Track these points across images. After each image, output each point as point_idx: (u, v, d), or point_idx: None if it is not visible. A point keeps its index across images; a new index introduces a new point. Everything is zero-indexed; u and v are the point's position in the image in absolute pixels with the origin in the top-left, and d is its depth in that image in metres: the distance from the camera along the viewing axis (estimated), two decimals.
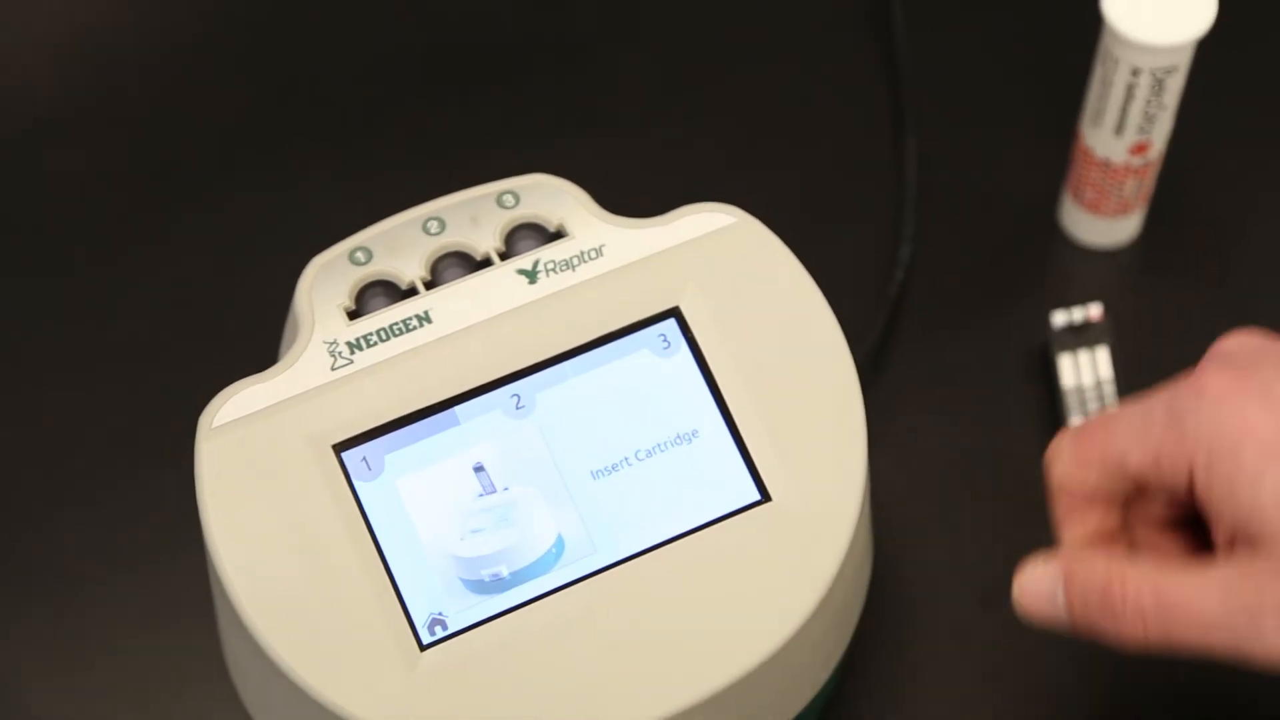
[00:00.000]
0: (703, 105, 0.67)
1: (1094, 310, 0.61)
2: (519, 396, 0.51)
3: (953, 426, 0.61)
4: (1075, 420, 0.59)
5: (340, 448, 0.50)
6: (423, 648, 0.48)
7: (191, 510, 0.49)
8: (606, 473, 0.51)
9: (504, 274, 0.52)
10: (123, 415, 0.60)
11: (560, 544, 0.50)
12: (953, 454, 0.61)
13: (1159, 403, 0.48)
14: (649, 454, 0.51)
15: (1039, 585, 0.50)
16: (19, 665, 0.57)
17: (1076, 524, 0.50)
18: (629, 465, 0.51)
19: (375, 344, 0.51)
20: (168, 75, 0.67)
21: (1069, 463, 0.50)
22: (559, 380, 0.51)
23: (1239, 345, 0.49)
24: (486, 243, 0.53)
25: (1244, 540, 0.47)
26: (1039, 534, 0.59)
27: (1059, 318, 0.61)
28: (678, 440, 0.51)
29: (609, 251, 0.53)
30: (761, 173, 0.64)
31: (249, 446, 0.50)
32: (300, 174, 0.65)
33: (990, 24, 0.69)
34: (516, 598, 0.49)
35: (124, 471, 0.60)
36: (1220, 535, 0.48)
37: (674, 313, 0.52)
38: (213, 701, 0.56)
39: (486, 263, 0.53)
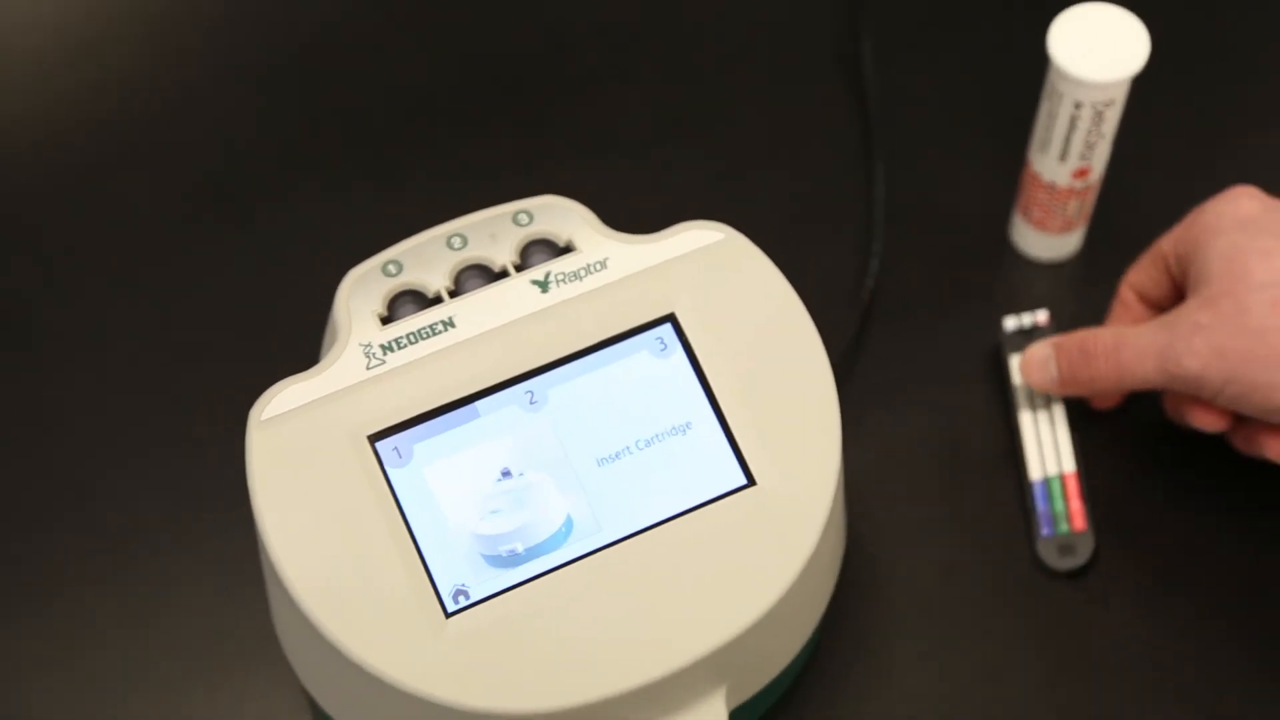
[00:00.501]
0: (694, 135, 0.67)
1: (1041, 316, 0.60)
2: (532, 393, 0.50)
3: (917, 418, 0.60)
4: (1025, 414, 0.59)
5: (374, 438, 0.49)
6: (448, 615, 0.47)
7: (243, 494, 0.48)
8: (610, 460, 0.50)
9: (519, 284, 0.52)
10: (183, 409, 0.60)
11: (569, 523, 0.49)
12: (917, 443, 0.60)
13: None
14: (648, 443, 0.50)
15: (1036, 357, 0.57)
16: (100, 626, 0.56)
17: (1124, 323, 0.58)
18: (630, 453, 0.50)
19: (405, 346, 0.50)
20: (227, 107, 0.67)
21: (1136, 267, 0.58)
22: (568, 378, 0.51)
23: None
24: (504, 256, 0.52)
25: (1191, 291, 0.52)
26: (993, 513, 0.58)
27: (1010, 323, 0.60)
28: (673, 431, 0.50)
29: (612, 264, 0.52)
30: (747, 194, 0.64)
31: (293, 437, 0.49)
32: (340, 195, 0.65)
33: (948, 63, 0.68)
34: (530, 571, 0.48)
35: (184, 459, 0.59)
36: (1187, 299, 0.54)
37: (670, 318, 0.51)
38: (264, 665, 0.55)
39: (503, 274, 0.52)
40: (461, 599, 0.48)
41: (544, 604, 0.47)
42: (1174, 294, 0.56)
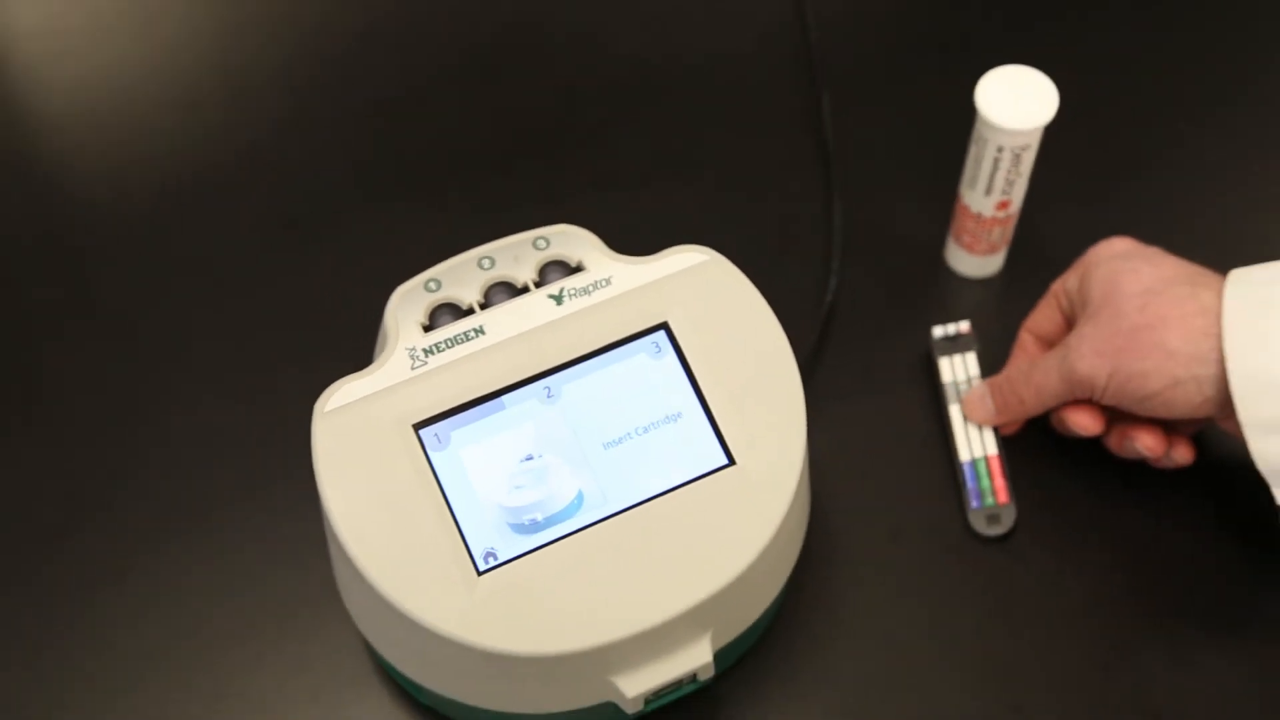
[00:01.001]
0: (683, 174, 0.67)
1: (964, 326, 0.61)
2: (549, 388, 0.50)
3: (868, 410, 0.60)
4: (954, 408, 0.59)
5: (419, 426, 0.49)
6: (479, 573, 0.48)
7: (309, 473, 0.48)
8: (614, 444, 0.50)
9: (538, 298, 0.52)
10: (260, 402, 0.60)
11: (580, 497, 0.49)
12: (868, 430, 0.60)
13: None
14: (645, 430, 0.50)
15: (975, 396, 0.58)
16: (192, 582, 0.56)
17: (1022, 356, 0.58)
18: (630, 438, 0.50)
19: (443, 350, 0.51)
20: (301, 150, 0.67)
21: (1034, 314, 0.58)
22: (579, 376, 0.51)
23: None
24: (525, 275, 0.52)
25: (1079, 316, 0.53)
26: (931, 488, 0.58)
27: (938, 331, 0.61)
28: (666, 420, 0.50)
29: (615, 281, 0.52)
30: (728, 223, 0.64)
31: (351, 426, 0.49)
32: (389, 224, 0.65)
33: (894, 115, 0.68)
34: (548, 536, 0.48)
35: (262, 444, 0.59)
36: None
37: (663, 326, 0.51)
38: (328, 616, 0.55)
39: (525, 290, 0.52)
40: (491, 560, 0.48)
41: (560, 564, 0.48)
42: (1066, 331, 0.57)
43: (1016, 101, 0.57)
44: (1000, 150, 0.57)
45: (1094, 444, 0.58)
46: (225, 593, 0.56)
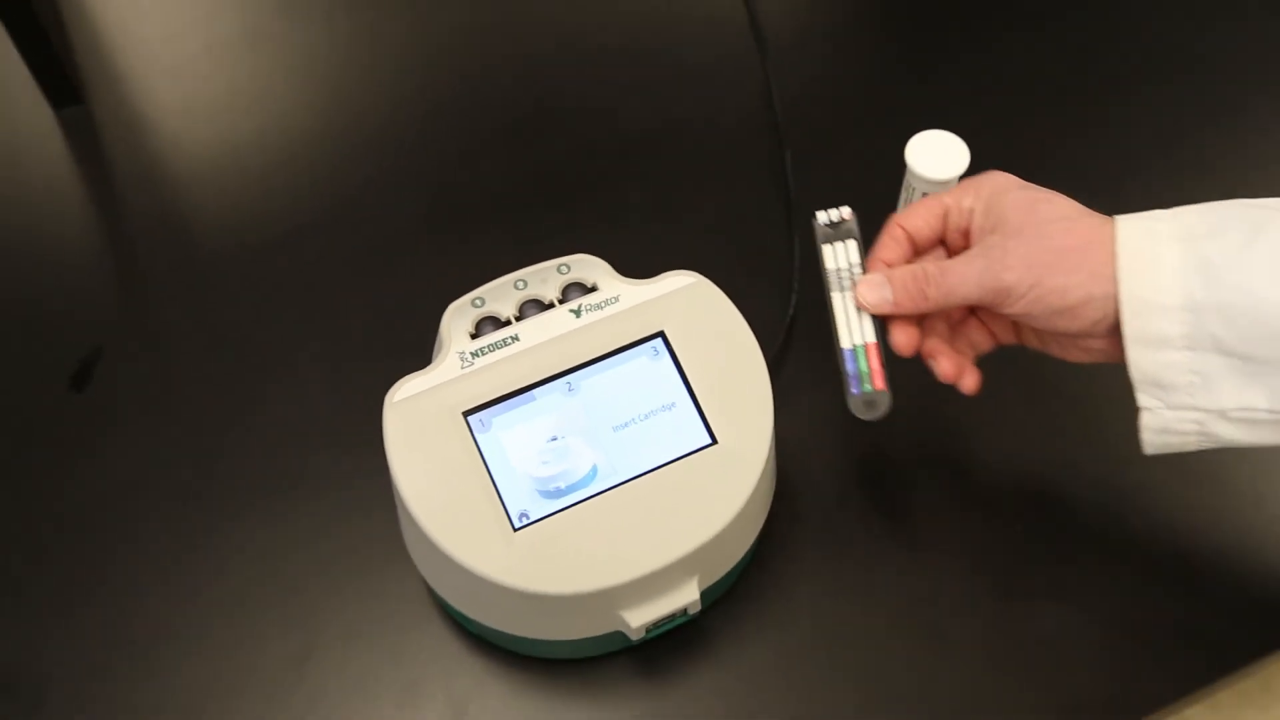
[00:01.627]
0: (676, 214, 0.67)
1: (845, 211, 0.52)
2: (570, 383, 0.51)
3: (821, 401, 0.60)
4: (836, 295, 0.51)
5: (467, 413, 0.50)
6: (515, 530, 0.48)
7: (381, 450, 0.49)
8: (621, 427, 0.50)
9: (561, 312, 0.52)
10: (344, 395, 0.60)
11: (594, 470, 0.49)
12: (822, 417, 0.60)
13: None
14: (646, 416, 0.50)
15: (871, 280, 0.49)
16: (287, 536, 0.56)
17: (892, 253, 0.50)
18: (635, 423, 0.50)
19: (486, 353, 0.51)
20: (375, 196, 0.67)
21: (911, 214, 0.50)
22: (593, 374, 0.51)
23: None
24: (551, 294, 0.53)
25: (989, 232, 0.47)
26: (872, 463, 0.58)
27: (821, 217, 0.51)
28: (662, 409, 0.51)
29: (622, 299, 0.52)
30: (712, 253, 0.63)
31: (414, 413, 0.50)
32: (444, 253, 0.65)
33: (842, 168, 0.68)
34: (569, 500, 0.49)
35: (345, 428, 0.59)
36: (978, 237, 0.48)
37: (660, 334, 0.52)
38: (395, 563, 0.55)
39: (551, 306, 0.52)
40: (524, 519, 0.48)
41: (578, 522, 0.48)
42: (937, 239, 0.51)
43: (937, 157, 0.57)
44: (925, 195, 0.57)
45: None
46: (314, 545, 0.56)
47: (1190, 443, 0.44)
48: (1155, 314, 0.42)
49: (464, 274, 0.54)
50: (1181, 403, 0.42)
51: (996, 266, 0.46)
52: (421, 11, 0.72)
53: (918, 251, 0.51)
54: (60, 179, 0.67)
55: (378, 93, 0.70)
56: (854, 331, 0.51)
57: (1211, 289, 0.41)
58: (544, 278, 0.53)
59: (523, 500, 0.48)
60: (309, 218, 0.65)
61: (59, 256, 0.64)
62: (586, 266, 0.53)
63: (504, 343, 0.51)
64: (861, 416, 0.50)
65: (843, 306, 0.51)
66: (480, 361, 0.50)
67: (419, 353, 0.54)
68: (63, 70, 0.67)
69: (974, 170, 0.57)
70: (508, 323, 0.52)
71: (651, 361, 0.51)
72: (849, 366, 0.50)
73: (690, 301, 0.52)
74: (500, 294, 0.52)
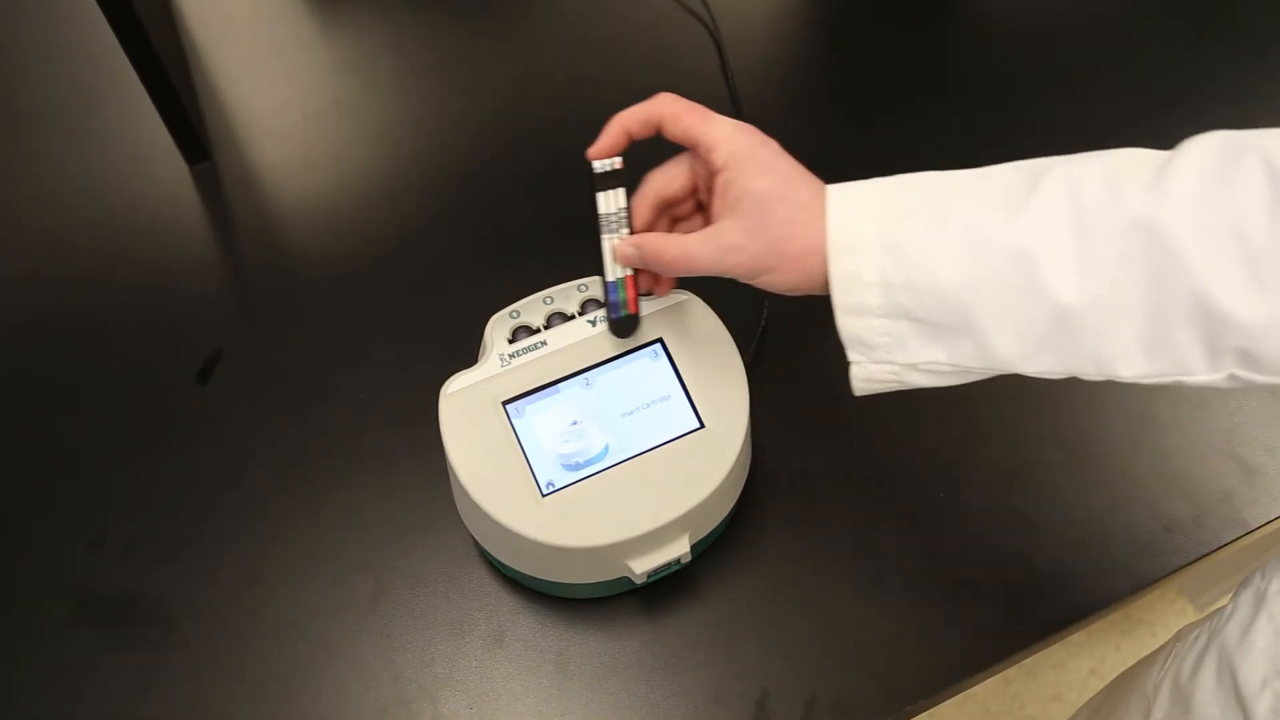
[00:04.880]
0: None
1: (618, 162, 0.45)
2: (587, 379, 0.49)
3: (788, 392, 0.58)
4: (605, 236, 0.46)
5: (506, 403, 0.48)
6: (543, 496, 0.46)
7: (436, 433, 0.47)
8: (628, 414, 0.48)
9: (581, 323, 0.50)
10: (408, 388, 0.58)
11: (606, 448, 0.48)
12: (788, 405, 0.58)
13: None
14: (647, 405, 0.49)
15: (629, 248, 0.45)
16: (371, 507, 0.54)
17: (644, 213, 0.45)
18: (638, 411, 0.48)
19: (521, 355, 0.49)
20: (431, 230, 0.64)
21: (659, 179, 0.44)
22: (606, 372, 0.49)
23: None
24: (572, 307, 0.51)
25: (729, 208, 0.42)
26: (827, 444, 0.56)
27: (598, 165, 0.45)
28: (660, 400, 0.49)
29: None
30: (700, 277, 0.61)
31: (463, 402, 0.48)
32: (489, 276, 0.63)
33: None
34: (586, 472, 0.47)
35: (408, 414, 0.57)
36: (718, 213, 0.43)
37: (659, 340, 0.50)
38: (448, 522, 0.53)
39: (572, 317, 0.51)
40: (550, 487, 0.46)
41: (594, 490, 0.46)
42: (694, 190, 0.45)
43: None
44: None
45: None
46: (385, 505, 0.54)
47: (890, 386, 0.42)
48: (857, 288, 0.39)
49: (503, 292, 0.52)
50: (881, 358, 0.40)
51: (728, 259, 0.42)
52: (471, 92, 0.70)
53: (671, 204, 0.46)
54: (192, 220, 0.66)
55: (437, 152, 0.68)
56: (616, 268, 0.47)
57: (900, 268, 0.38)
58: (567, 295, 0.51)
59: (549, 472, 0.47)
60: (382, 250, 0.64)
61: (190, 280, 0.63)
62: (600, 286, 0.51)
63: (535, 346, 0.49)
64: (619, 336, 0.48)
65: (609, 247, 0.46)
66: (516, 361, 0.49)
67: (467, 354, 0.52)
68: (195, 133, 0.66)
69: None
70: (538, 330, 0.50)
71: (652, 362, 0.49)
72: (612, 296, 0.47)
73: (683, 314, 0.50)
74: (532, 308, 0.51)
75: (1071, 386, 0.53)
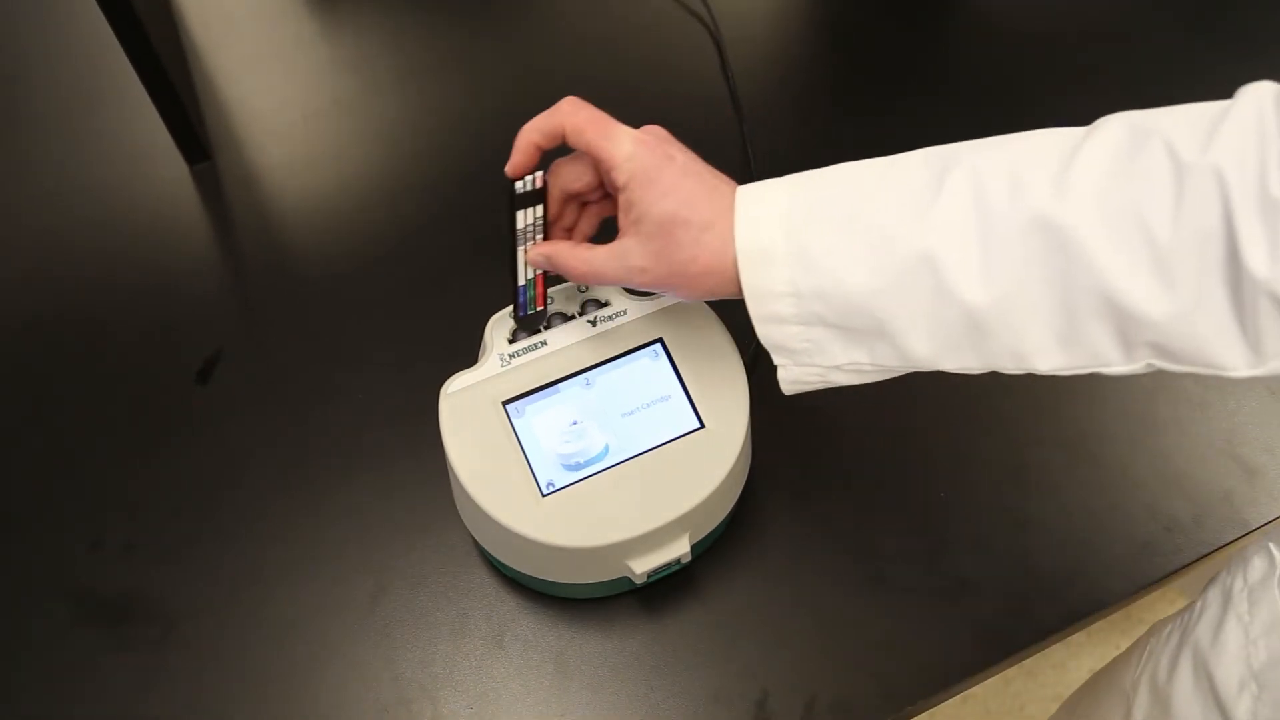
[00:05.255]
0: None
1: (540, 177, 0.45)
2: (587, 379, 0.49)
3: (785, 395, 0.57)
4: (520, 248, 0.47)
5: (505, 402, 0.48)
6: (543, 496, 0.46)
7: (437, 432, 0.47)
8: (628, 414, 0.48)
9: (581, 323, 0.50)
10: (409, 386, 0.57)
11: (606, 448, 0.47)
12: (787, 406, 0.57)
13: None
14: (647, 405, 0.48)
15: (537, 256, 0.45)
16: (371, 505, 0.54)
17: (556, 209, 0.45)
18: (638, 411, 0.48)
19: (521, 354, 0.49)
20: (436, 235, 0.64)
21: (565, 176, 0.44)
22: (606, 371, 0.49)
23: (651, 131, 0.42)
24: (573, 308, 0.51)
25: (633, 224, 0.41)
26: (827, 444, 0.56)
27: (519, 185, 0.45)
28: (661, 399, 0.49)
29: (629, 312, 0.50)
30: None
31: (463, 402, 0.48)
32: (488, 278, 0.62)
33: None
34: (587, 473, 0.47)
35: (409, 413, 0.57)
36: (623, 228, 0.42)
37: (659, 340, 0.50)
38: (448, 521, 0.53)
39: (573, 317, 0.50)
40: (550, 487, 0.46)
41: (593, 490, 0.46)
42: (597, 186, 0.44)
43: None
44: None
45: None
46: (385, 505, 0.54)
47: (818, 385, 0.42)
48: (770, 299, 0.39)
49: (503, 292, 0.52)
50: (804, 361, 0.41)
51: (634, 278, 0.41)
52: (471, 92, 0.70)
53: (578, 195, 0.45)
54: (192, 220, 0.65)
55: (437, 152, 0.68)
56: (528, 271, 0.47)
57: (809, 276, 0.38)
58: (567, 295, 0.51)
59: (549, 472, 0.46)
60: (382, 250, 0.63)
61: (190, 280, 0.62)
62: (600, 287, 0.51)
63: (535, 346, 0.49)
64: (527, 331, 0.49)
65: (522, 255, 0.47)
66: (516, 361, 0.49)
67: (467, 354, 0.52)
68: (195, 133, 0.66)
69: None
70: (538, 330, 0.50)
71: (652, 362, 0.49)
72: (521, 296, 0.48)
73: (683, 315, 0.50)
74: None
75: (1071, 386, 0.53)
